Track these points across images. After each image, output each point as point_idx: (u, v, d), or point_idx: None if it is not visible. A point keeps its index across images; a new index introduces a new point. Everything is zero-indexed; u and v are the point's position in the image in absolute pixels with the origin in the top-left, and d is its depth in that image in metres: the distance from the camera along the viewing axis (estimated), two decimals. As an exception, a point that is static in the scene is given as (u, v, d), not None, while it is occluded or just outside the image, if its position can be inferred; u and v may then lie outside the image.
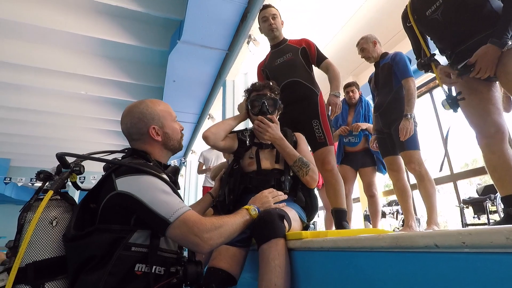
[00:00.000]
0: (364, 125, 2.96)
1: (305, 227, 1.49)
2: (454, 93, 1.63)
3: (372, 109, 3.06)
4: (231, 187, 1.57)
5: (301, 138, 1.73)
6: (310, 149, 1.86)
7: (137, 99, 1.25)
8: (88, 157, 1.06)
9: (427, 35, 1.79)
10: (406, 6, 1.83)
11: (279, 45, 2.21)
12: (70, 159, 1.07)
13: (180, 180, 10.82)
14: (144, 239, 0.97)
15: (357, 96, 3.21)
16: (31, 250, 0.92)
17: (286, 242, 1.11)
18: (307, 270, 1.04)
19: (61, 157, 1.01)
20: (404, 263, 0.65)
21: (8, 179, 8.05)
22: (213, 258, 1.33)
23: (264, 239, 1.10)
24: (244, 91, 1.76)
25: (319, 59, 2.12)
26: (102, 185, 1.01)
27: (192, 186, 9.07)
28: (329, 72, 2.08)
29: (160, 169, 1.08)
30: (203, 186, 4.49)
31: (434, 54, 1.76)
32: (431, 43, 1.80)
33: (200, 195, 8.22)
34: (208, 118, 6.45)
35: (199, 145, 8.19)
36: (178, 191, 1.11)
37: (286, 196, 1.29)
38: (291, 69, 2.10)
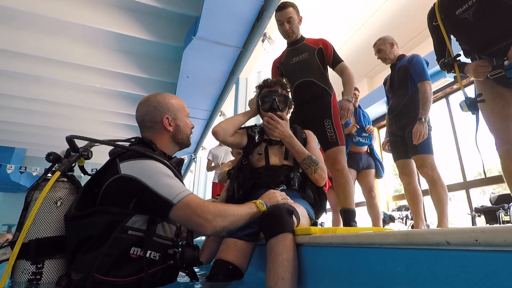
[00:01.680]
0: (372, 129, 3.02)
1: (313, 224, 1.49)
2: (473, 95, 1.60)
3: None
4: (241, 182, 1.58)
5: (311, 136, 1.73)
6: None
7: (151, 94, 1.29)
8: (96, 140, 1.10)
9: (453, 35, 1.74)
10: (434, 4, 1.78)
11: (296, 44, 2.21)
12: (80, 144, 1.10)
13: (190, 176, 10.91)
14: (141, 223, 0.99)
15: (357, 100, 3.31)
16: (35, 228, 0.97)
17: (294, 237, 1.12)
18: (314, 265, 1.04)
19: (70, 140, 1.06)
20: (414, 260, 0.64)
21: (24, 168, 8.26)
22: (221, 250, 1.35)
23: (273, 233, 1.10)
24: (256, 86, 1.77)
25: (335, 61, 2.11)
26: (106, 170, 1.04)
27: (202, 182, 9.15)
28: (344, 75, 2.07)
29: (165, 158, 1.09)
30: (213, 182, 4.52)
31: (459, 55, 1.71)
32: (454, 45, 1.76)
33: (209, 191, 8.27)
34: (220, 115, 6.48)
35: (210, 142, 8.24)
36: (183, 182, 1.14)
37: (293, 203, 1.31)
38: (306, 68, 2.09)
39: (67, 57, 5.56)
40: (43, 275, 0.95)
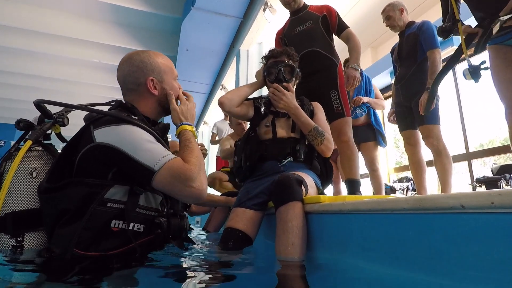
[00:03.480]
0: (366, 99, 2.90)
1: (320, 194, 1.52)
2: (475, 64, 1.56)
3: (372, 83, 3.10)
4: (248, 154, 1.59)
5: (318, 107, 1.71)
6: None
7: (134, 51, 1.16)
8: (69, 104, 0.99)
9: (465, 1, 1.67)
10: None
11: (298, 12, 2.12)
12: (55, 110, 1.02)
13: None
14: (121, 195, 0.92)
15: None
16: (11, 200, 0.91)
17: (303, 206, 1.14)
18: (324, 232, 1.07)
19: (38, 104, 0.96)
20: (427, 224, 0.65)
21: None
22: (231, 219, 1.39)
23: (283, 201, 1.13)
24: (262, 57, 1.73)
25: (340, 28, 2.04)
26: (81, 137, 0.95)
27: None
28: (350, 42, 2.01)
29: (146, 123, 1.00)
30: (217, 156, 4.55)
31: (459, 21, 1.65)
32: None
33: (211, 165, 8.36)
34: (221, 89, 6.40)
35: (212, 116, 8.21)
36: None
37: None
38: (311, 38, 2.03)
39: (63, 31, 5.40)
40: (23, 249, 0.92)
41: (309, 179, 1.35)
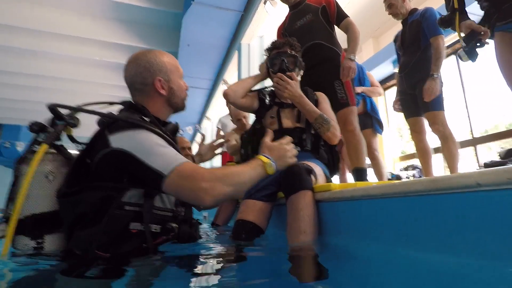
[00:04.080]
0: (359, 89, 2.92)
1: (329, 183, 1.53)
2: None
3: (366, 71, 3.14)
4: (254, 145, 1.60)
5: (323, 97, 1.72)
6: None
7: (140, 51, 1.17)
8: (81, 109, 1.00)
9: None
10: None
11: (298, 5, 2.12)
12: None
13: (194, 147, 11.01)
14: (138, 198, 0.93)
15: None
16: (29, 203, 0.92)
17: (313, 195, 1.15)
18: (335, 220, 1.08)
19: (52, 108, 0.97)
20: (441, 205, 0.66)
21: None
22: (241, 211, 1.40)
23: (293, 190, 1.14)
24: (265, 49, 1.73)
25: (339, 17, 2.03)
26: (95, 141, 0.96)
27: (207, 152, 9.22)
28: (349, 32, 2.00)
29: (157, 125, 1.02)
30: (221, 152, 4.56)
31: (456, 10, 1.65)
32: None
33: (215, 161, 8.37)
34: (223, 84, 6.39)
35: (214, 112, 8.21)
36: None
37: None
38: (312, 31, 2.02)
39: (64, 29, 5.41)
40: (43, 250, 0.93)
41: (318, 168, 1.36)
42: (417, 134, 2.43)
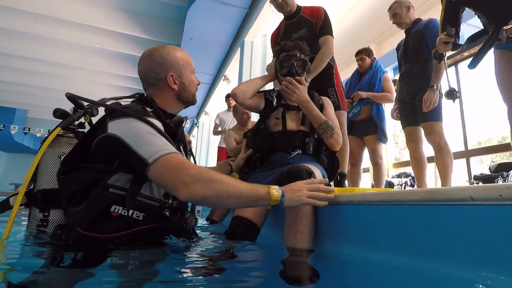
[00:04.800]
0: (364, 94, 2.89)
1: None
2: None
3: (381, 74, 3.02)
4: (258, 145, 1.63)
5: (328, 102, 1.75)
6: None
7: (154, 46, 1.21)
8: (91, 101, 1.06)
9: (470, 8, 1.70)
10: None
11: (293, 17, 2.16)
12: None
13: (192, 141, 11.00)
14: (124, 182, 0.97)
15: (366, 63, 3.08)
16: (41, 179, 1.07)
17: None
18: (332, 223, 1.11)
19: (70, 97, 1.05)
20: (436, 215, 0.70)
21: (27, 129, 8.31)
22: (239, 208, 1.43)
23: (293, 192, 1.17)
24: (273, 50, 1.75)
25: (321, 33, 2.06)
26: (98, 127, 1.02)
27: (204, 147, 9.24)
28: (321, 49, 2.02)
29: (161, 117, 1.07)
30: (218, 147, 4.58)
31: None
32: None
33: (211, 156, 8.37)
34: (224, 80, 6.39)
35: (213, 107, 8.20)
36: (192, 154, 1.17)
37: (332, 189, 1.10)
38: (308, 46, 2.06)
39: (65, 15, 5.36)
40: (48, 223, 1.04)
41: (317, 172, 1.39)
42: (413, 143, 2.48)
